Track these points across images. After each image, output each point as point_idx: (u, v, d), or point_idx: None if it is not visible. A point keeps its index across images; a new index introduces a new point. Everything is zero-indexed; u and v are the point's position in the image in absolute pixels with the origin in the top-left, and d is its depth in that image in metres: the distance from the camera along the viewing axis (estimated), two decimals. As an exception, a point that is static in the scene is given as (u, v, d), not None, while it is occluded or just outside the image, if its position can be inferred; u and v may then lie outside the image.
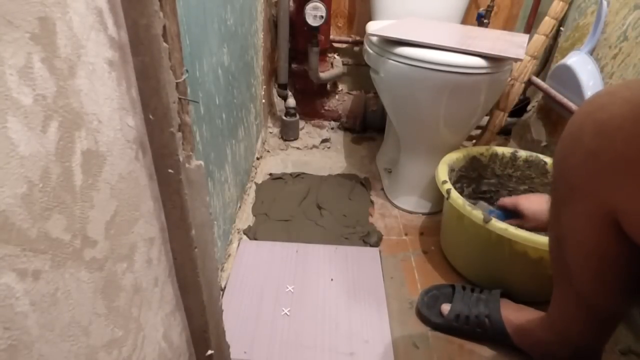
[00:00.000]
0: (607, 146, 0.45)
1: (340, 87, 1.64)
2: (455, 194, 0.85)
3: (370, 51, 1.03)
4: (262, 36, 1.22)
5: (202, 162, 0.42)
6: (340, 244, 0.99)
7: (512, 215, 0.88)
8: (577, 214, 0.51)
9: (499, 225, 0.76)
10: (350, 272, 0.91)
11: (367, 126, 1.54)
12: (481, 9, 1.38)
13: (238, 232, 1.01)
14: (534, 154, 1.02)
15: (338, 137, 1.52)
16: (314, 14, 1.24)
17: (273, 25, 1.37)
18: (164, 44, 0.34)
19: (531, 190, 1.04)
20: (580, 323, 0.62)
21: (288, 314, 0.81)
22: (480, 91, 0.92)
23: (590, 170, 0.48)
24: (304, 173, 1.26)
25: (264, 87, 1.32)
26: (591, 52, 1.06)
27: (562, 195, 0.54)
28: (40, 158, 0.24)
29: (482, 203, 0.98)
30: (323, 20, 1.25)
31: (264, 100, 1.33)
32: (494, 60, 0.88)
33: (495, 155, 1.04)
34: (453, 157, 1.00)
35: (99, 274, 0.31)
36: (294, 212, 1.09)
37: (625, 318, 0.63)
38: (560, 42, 1.26)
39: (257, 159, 1.27)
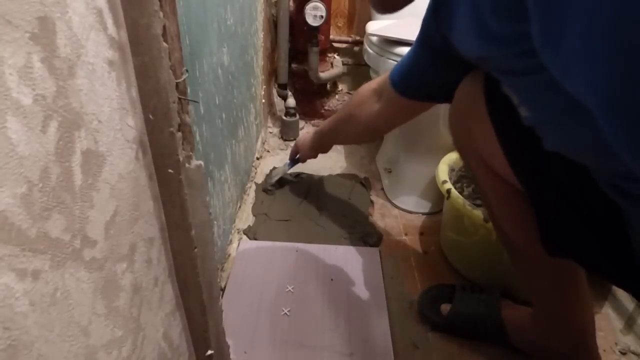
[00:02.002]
0: (454, 112, 0.63)
1: (340, 87, 1.64)
2: (455, 194, 0.85)
3: (370, 51, 1.03)
4: (262, 36, 1.22)
5: (202, 162, 0.42)
6: (340, 244, 0.99)
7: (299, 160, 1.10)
8: (474, 169, 0.63)
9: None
10: (350, 272, 0.91)
11: (367, 126, 1.53)
12: (481, 9, 1.37)
13: (238, 232, 1.01)
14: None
15: (338, 137, 1.52)
16: (314, 13, 1.24)
17: (273, 25, 1.37)
18: (164, 43, 0.34)
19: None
20: (548, 292, 0.65)
21: (288, 314, 0.81)
22: (480, 91, 0.92)
23: (457, 132, 0.64)
24: (304, 173, 1.26)
25: (264, 87, 1.32)
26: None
27: (461, 157, 0.69)
28: (39, 158, 0.24)
29: (279, 167, 1.19)
30: (323, 20, 1.25)
31: (263, 100, 1.33)
32: (494, 60, 0.88)
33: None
34: (453, 157, 0.99)
35: (99, 274, 0.31)
36: (294, 212, 1.09)
37: (587, 279, 0.63)
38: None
39: (257, 159, 1.27)
